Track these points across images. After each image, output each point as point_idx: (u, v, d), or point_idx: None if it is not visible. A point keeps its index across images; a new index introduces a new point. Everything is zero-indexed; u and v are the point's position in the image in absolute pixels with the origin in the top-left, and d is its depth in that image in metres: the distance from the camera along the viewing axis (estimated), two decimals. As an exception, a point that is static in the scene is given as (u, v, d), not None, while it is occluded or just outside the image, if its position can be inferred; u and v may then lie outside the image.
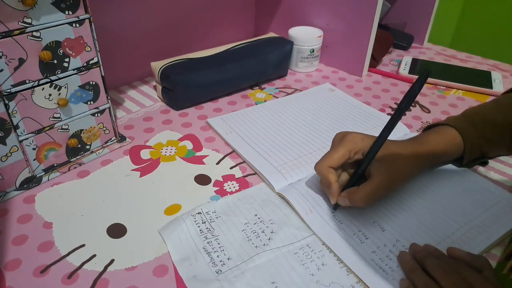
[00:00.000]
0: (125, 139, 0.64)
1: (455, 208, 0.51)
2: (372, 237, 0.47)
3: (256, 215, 0.50)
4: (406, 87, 0.82)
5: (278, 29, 0.94)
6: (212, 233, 0.48)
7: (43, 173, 0.56)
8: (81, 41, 0.52)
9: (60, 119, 0.54)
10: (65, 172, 0.57)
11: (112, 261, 0.45)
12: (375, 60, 0.88)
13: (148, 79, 0.83)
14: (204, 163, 0.60)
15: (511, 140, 0.56)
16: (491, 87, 0.80)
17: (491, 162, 0.60)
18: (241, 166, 0.59)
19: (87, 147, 0.60)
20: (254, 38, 0.84)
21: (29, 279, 0.42)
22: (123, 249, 0.46)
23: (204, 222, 0.49)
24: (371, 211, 0.50)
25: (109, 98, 0.59)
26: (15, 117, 0.50)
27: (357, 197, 0.46)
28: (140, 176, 0.57)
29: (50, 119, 0.53)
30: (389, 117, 0.48)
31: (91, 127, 0.59)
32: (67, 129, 0.56)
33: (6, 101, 0.48)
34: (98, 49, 0.54)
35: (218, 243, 0.46)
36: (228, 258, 0.45)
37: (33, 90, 0.50)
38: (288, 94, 0.79)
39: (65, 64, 0.52)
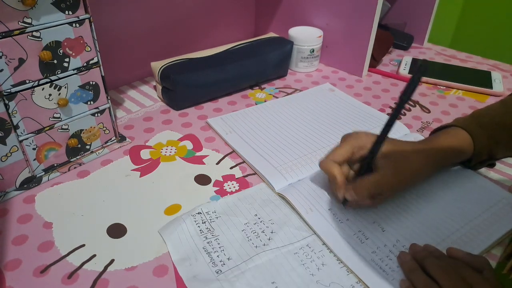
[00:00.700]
0: (125, 139, 0.64)
1: (455, 208, 0.51)
2: (372, 237, 0.47)
3: (256, 215, 0.50)
4: (406, 87, 0.82)
5: (278, 29, 0.94)
6: (212, 233, 0.48)
7: (43, 173, 0.56)
8: (81, 41, 0.52)
9: (60, 119, 0.54)
10: (65, 172, 0.57)
11: (112, 261, 0.45)
12: (375, 60, 0.88)
13: (148, 79, 0.83)
14: (204, 163, 0.60)
15: None
16: (491, 87, 0.80)
17: (491, 162, 0.60)
18: (241, 166, 0.59)
19: (87, 147, 0.60)
20: (254, 38, 0.84)
21: (29, 279, 0.42)
22: (123, 249, 0.46)
23: (204, 222, 0.49)
24: (372, 211, 0.50)
25: (109, 98, 0.59)
26: (15, 117, 0.50)
27: (361, 187, 0.46)
28: (140, 176, 0.57)
29: (50, 119, 0.53)
30: (389, 117, 0.47)
31: (91, 127, 0.59)
32: (67, 129, 0.56)
33: (6, 101, 0.48)
34: (98, 49, 0.54)
35: (218, 243, 0.46)
36: (228, 258, 0.45)
37: (33, 90, 0.50)
38: (288, 94, 0.79)
39: (65, 64, 0.52)
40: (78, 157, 0.59)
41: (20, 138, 0.51)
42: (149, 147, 0.63)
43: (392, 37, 0.94)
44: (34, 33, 0.48)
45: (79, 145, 0.58)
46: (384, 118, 0.70)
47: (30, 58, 0.48)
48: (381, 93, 0.80)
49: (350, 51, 0.85)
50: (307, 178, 0.55)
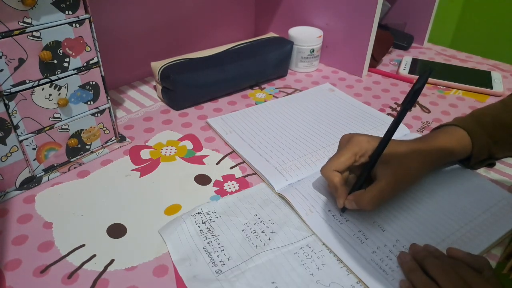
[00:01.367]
0: (125, 139, 0.64)
1: (455, 208, 0.51)
2: (372, 237, 0.47)
3: (256, 215, 0.50)
4: (406, 87, 0.82)
5: (278, 29, 0.94)
6: (212, 233, 0.48)
7: (43, 173, 0.56)
8: (81, 41, 0.52)
9: (60, 119, 0.54)
10: (65, 172, 0.57)
11: (112, 261, 0.45)
12: (375, 60, 0.88)
13: (148, 79, 0.83)
14: (204, 163, 0.60)
15: None
16: (491, 87, 0.80)
17: (491, 162, 0.60)
18: (241, 166, 0.59)
19: (87, 147, 0.60)
20: (254, 38, 0.84)
21: (29, 279, 0.42)
22: (123, 249, 0.46)
23: (204, 222, 0.49)
24: (371, 211, 0.50)
25: (109, 98, 0.59)
26: (15, 117, 0.50)
27: (364, 201, 0.46)
28: (140, 176, 0.57)
29: (50, 119, 0.53)
30: (389, 117, 0.48)
31: (91, 127, 0.59)
32: (67, 129, 0.56)
33: (6, 101, 0.48)
34: (98, 49, 0.54)
35: (218, 243, 0.46)
36: (228, 258, 0.45)
37: (33, 90, 0.50)
38: (288, 94, 0.79)
39: (65, 64, 0.52)
40: (78, 157, 0.59)
41: (20, 138, 0.51)
42: (149, 147, 0.63)
43: (392, 37, 0.94)
44: (34, 33, 0.48)
45: (79, 145, 0.58)
46: (384, 118, 0.70)
47: (30, 58, 0.48)
48: (381, 93, 0.80)
49: (350, 51, 0.85)
50: (307, 178, 0.55)
